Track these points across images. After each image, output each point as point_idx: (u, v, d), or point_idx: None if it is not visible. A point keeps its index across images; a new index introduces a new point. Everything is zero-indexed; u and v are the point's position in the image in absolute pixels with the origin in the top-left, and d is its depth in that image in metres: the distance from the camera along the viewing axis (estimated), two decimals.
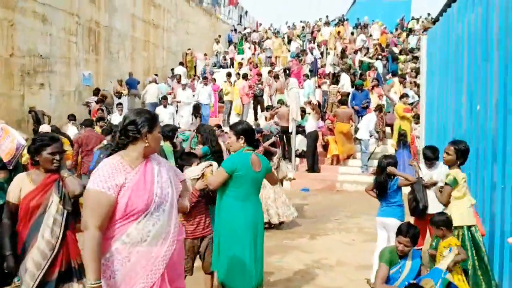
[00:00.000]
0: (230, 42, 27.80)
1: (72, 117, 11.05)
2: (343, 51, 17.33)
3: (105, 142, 7.39)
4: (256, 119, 13.37)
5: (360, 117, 10.60)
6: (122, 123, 2.33)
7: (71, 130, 10.85)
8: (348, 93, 13.00)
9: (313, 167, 9.41)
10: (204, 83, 13.27)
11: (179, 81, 14.21)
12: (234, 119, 13.64)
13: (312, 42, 23.11)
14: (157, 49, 19.72)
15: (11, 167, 3.91)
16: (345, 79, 14.30)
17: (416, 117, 9.91)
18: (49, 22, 12.19)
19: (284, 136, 10.12)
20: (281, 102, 11.61)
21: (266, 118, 11.62)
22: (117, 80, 15.06)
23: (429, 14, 28.25)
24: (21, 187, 3.00)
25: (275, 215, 6.64)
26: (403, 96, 9.97)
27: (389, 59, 14.55)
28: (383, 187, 4.55)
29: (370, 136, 10.07)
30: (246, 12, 40.65)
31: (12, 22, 10.79)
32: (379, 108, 10.60)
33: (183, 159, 4.25)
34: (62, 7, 12.69)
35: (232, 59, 21.93)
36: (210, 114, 13.05)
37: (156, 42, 19.42)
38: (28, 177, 3.04)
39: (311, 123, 9.69)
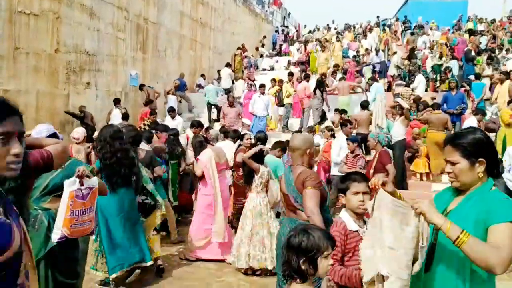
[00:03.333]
0: (274, 43, 26.64)
1: (117, 101, 11.04)
2: (413, 50, 15.64)
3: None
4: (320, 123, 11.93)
5: (453, 124, 8.96)
6: None
7: (116, 116, 10.56)
8: (420, 98, 11.38)
9: (401, 184, 7.90)
10: (261, 91, 11.20)
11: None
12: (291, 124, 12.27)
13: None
14: (204, 48, 18.65)
15: None
16: (420, 80, 12.67)
17: None
18: (97, 17, 11.21)
19: (363, 145, 8.66)
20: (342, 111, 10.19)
21: (334, 123, 10.15)
22: (174, 80, 13.99)
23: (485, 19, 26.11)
24: None
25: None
26: None
27: (463, 59, 12.82)
28: None
29: None
30: (289, 13, 39.44)
31: (58, 15, 9.83)
32: (481, 112, 8.89)
33: None
34: (111, 0, 11.71)
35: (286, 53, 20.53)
36: (265, 127, 11.00)
37: (203, 41, 18.35)
38: None
39: (399, 130, 8.15)
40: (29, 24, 9.05)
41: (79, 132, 6.39)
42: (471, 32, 18.12)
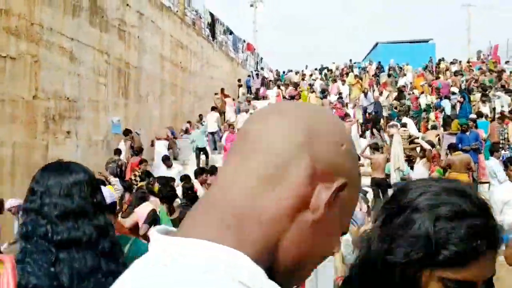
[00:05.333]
0: (249, 88, 26.44)
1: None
2: (400, 91, 15.50)
3: None
4: None
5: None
6: None
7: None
8: (416, 137, 11.00)
9: None
10: None
11: None
12: None
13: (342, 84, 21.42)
14: (184, 93, 17.96)
15: None
16: (409, 123, 12.35)
17: None
18: (78, 60, 10.37)
19: (380, 191, 7.98)
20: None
21: None
22: (165, 129, 13.13)
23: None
24: None
25: None
26: None
27: (465, 97, 12.68)
28: None
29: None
30: (261, 58, 39.78)
31: (36, 58, 8.93)
32: (496, 149, 8.44)
33: None
34: (91, 43, 10.93)
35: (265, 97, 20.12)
36: None
37: (183, 85, 17.69)
38: None
39: (421, 173, 7.54)
40: (5, 68, 8.10)
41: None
42: (455, 73, 18.36)
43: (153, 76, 14.64)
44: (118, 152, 10.35)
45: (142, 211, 4.82)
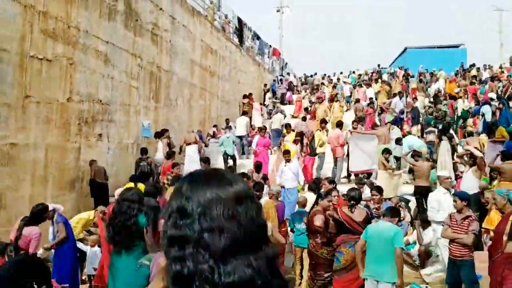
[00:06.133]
0: (274, 92, 26.23)
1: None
2: (436, 96, 15.01)
3: None
4: (349, 174, 10.91)
5: None
6: None
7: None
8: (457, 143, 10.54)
9: (477, 244, 6.76)
10: (286, 159, 8.92)
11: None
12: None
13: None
14: (213, 97, 17.87)
15: None
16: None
17: None
18: (111, 64, 10.34)
19: (424, 199, 7.60)
20: (385, 151, 9.26)
21: (384, 164, 8.95)
22: (194, 132, 12.82)
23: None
24: None
25: None
26: None
27: (504, 103, 12.13)
28: None
29: None
30: (286, 63, 39.59)
31: (72, 61, 8.91)
32: None
33: None
34: (125, 46, 10.91)
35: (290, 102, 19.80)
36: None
37: (211, 90, 17.60)
38: None
39: (471, 183, 7.12)
40: (41, 70, 8.08)
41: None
42: (492, 79, 17.72)
43: (183, 80, 14.58)
44: (145, 151, 10.29)
45: None
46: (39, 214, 4.95)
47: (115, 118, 10.56)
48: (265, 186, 7.56)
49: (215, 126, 16.19)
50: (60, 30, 8.52)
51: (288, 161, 8.75)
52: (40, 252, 5.48)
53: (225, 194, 0.97)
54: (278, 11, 38.23)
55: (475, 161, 7.25)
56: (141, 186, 9.36)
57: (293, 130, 11.92)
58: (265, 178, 8.57)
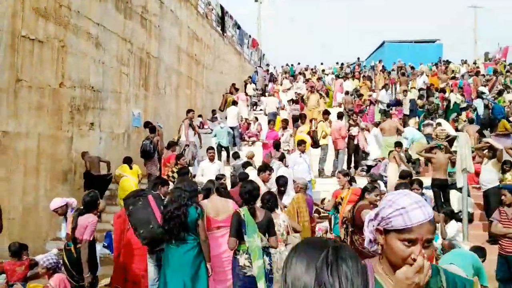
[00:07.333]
0: (254, 83, 25.85)
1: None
2: (428, 88, 15.02)
3: None
4: (349, 167, 10.69)
5: None
6: None
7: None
8: (454, 136, 10.53)
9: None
10: (301, 150, 8.41)
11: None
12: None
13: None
14: (198, 87, 17.30)
15: None
16: (443, 122, 11.85)
17: None
18: (102, 47, 9.69)
19: (442, 192, 7.44)
20: (398, 144, 9.11)
21: (396, 158, 8.72)
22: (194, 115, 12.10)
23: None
24: None
25: None
26: None
27: (494, 97, 12.24)
28: None
29: None
30: (264, 55, 39.18)
31: (63, 43, 8.25)
32: None
33: None
34: (116, 30, 10.25)
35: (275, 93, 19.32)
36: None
37: (197, 79, 17.03)
38: None
39: (491, 175, 7.01)
40: (33, 52, 7.41)
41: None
42: (476, 74, 17.98)
43: (170, 68, 13.98)
44: (153, 130, 9.83)
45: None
46: (92, 202, 4.60)
47: (106, 106, 9.93)
48: (278, 163, 7.87)
49: (200, 116, 15.64)
50: (51, 9, 7.85)
51: (303, 151, 8.41)
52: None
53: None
54: (256, 0, 37.68)
55: (494, 153, 7.16)
56: (136, 168, 8.83)
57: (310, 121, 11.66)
58: (282, 157, 8.39)
